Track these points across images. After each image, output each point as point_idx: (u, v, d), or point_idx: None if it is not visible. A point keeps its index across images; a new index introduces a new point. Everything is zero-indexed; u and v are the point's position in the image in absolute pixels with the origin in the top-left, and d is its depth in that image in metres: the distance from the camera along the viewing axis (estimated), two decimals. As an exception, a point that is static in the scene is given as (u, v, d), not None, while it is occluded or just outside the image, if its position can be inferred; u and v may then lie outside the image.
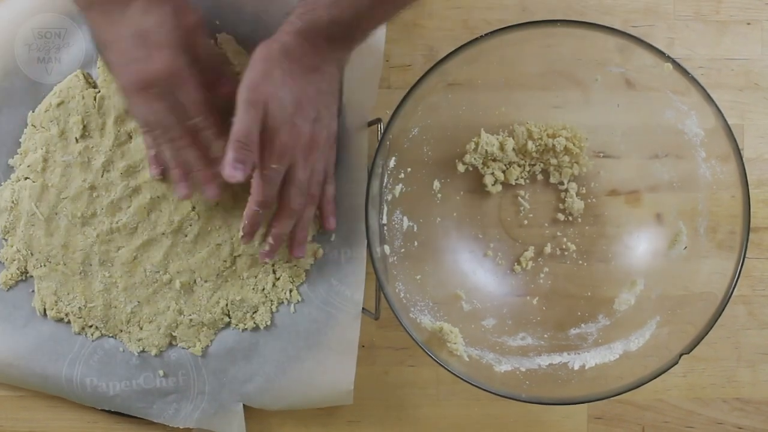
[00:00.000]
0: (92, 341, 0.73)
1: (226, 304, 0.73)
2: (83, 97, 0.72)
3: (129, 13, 0.61)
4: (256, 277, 0.73)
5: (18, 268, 0.73)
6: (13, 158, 0.73)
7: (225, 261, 0.73)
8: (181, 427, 0.73)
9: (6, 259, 0.73)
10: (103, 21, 0.61)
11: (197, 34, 0.64)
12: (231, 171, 0.61)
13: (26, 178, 0.73)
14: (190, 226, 0.73)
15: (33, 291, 0.73)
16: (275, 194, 0.66)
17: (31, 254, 0.73)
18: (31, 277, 0.73)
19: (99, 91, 0.72)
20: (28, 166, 0.73)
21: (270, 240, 0.69)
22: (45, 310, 0.73)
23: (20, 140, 0.73)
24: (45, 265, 0.73)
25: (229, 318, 0.73)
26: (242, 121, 0.62)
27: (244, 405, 0.73)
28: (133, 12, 0.61)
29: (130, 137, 0.72)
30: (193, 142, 0.64)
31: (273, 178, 0.65)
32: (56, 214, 0.72)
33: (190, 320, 0.72)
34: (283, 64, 0.63)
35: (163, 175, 0.71)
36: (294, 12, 0.63)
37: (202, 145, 0.65)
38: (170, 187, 0.72)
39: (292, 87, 0.63)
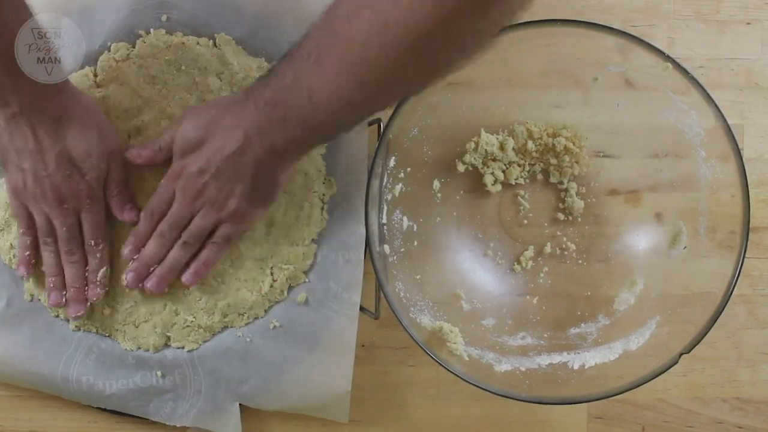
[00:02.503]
0: (88, 340, 0.72)
1: (224, 306, 0.73)
2: None
3: (60, 131, 0.65)
4: (253, 279, 0.73)
5: (12, 265, 0.73)
6: None
7: (222, 262, 0.73)
8: (178, 426, 0.73)
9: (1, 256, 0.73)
10: (27, 131, 0.65)
11: (116, 159, 0.69)
12: (134, 153, 0.69)
13: None
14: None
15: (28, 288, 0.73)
16: (157, 211, 0.70)
17: None
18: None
19: (100, 91, 0.72)
20: None
21: (135, 261, 0.71)
22: (33, 298, 0.73)
23: None
24: (40, 263, 0.72)
25: (226, 321, 0.73)
26: (168, 130, 0.69)
27: (241, 405, 0.73)
28: (64, 131, 0.65)
29: (129, 137, 0.72)
30: (81, 260, 0.70)
31: (159, 192, 0.69)
32: None
33: (186, 321, 0.72)
34: (223, 113, 0.66)
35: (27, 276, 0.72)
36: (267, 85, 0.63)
37: (84, 265, 0.70)
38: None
39: (203, 129, 0.66)
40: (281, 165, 0.66)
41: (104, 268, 0.71)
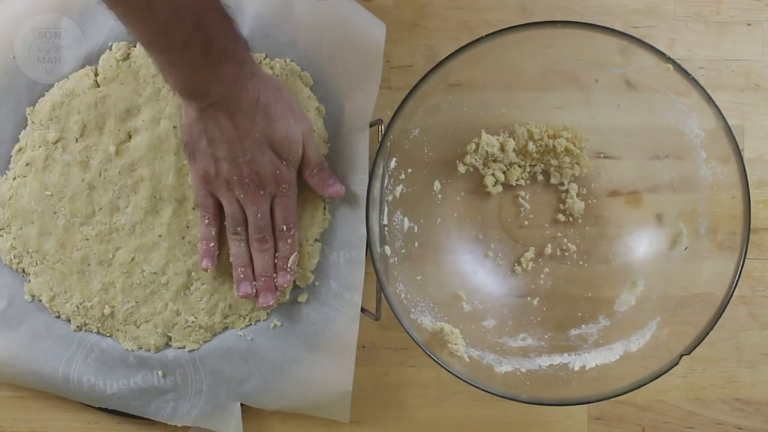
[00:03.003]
0: (89, 340, 0.73)
1: (225, 307, 0.73)
2: (86, 96, 0.72)
3: (257, 116, 0.65)
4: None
5: (13, 266, 0.73)
6: (10, 155, 0.73)
7: (223, 263, 0.73)
8: (179, 426, 0.73)
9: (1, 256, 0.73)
10: (224, 118, 0.65)
11: (309, 139, 0.69)
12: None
13: (24, 176, 0.73)
14: (188, 227, 0.73)
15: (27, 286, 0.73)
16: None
17: (27, 252, 0.73)
18: (27, 274, 0.73)
19: (101, 90, 0.72)
20: (27, 164, 0.73)
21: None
22: (34, 298, 0.73)
23: (19, 136, 0.73)
24: (41, 264, 0.73)
25: (227, 322, 0.73)
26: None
27: (242, 404, 0.73)
28: (261, 117, 0.65)
29: (130, 136, 0.72)
30: (272, 247, 0.69)
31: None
32: (54, 213, 0.72)
33: (187, 321, 0.72)
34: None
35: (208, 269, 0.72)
36: None
37: (274, 253, 0.70)
38: (169, 188, 0.72)
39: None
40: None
41: (295, 253, 0.70)
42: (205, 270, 0.71)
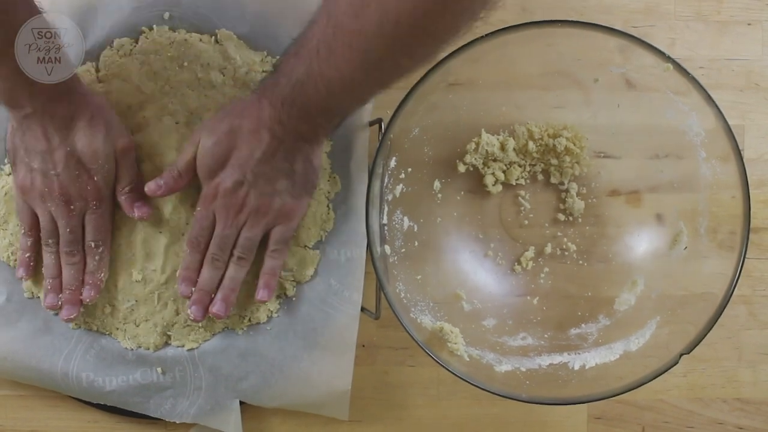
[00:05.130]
0: (88, 336, 0.72)
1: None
2: None
3: (70, 131, 0.66)
4: (257, 279, 0.73)
5: (10, 263, 0.73)
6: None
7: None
8: (178, 423, 0.73)
9: None
10: (38, 130, 0.65)
11: (125, 158, 0.69)
12: (153, 186, 0.68)
13: None
14: (188, 224, 0.72)
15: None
16: (202, 238, 0.70)
17: None
18: None
19: (102, 87, 0.72)
20: None
21: (194, 292, 0.71)
22: (33, 295, 0.73)
23: None
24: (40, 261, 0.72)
25: (227, 322, 0.73)
26: (182, 151, 0.69)
27: (242, 402, 0.73)
28: (74, 131, 0.66)
29: (132, 133, 0.72)
30: (81, 261, 0.70)
31: (198, 219, 0.69)
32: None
33: (186, 320, 0.72)
34: (239, 120, 0.66)
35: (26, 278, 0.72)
36: (280, 74, 0.64)
37: (83, 267, 0.70)
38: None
39: (224, 141, 0.66)
40: (312, 150, 0.67)
41: (103, 272, 0.71)
42: (20, 279, 0.71)
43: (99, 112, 0.68)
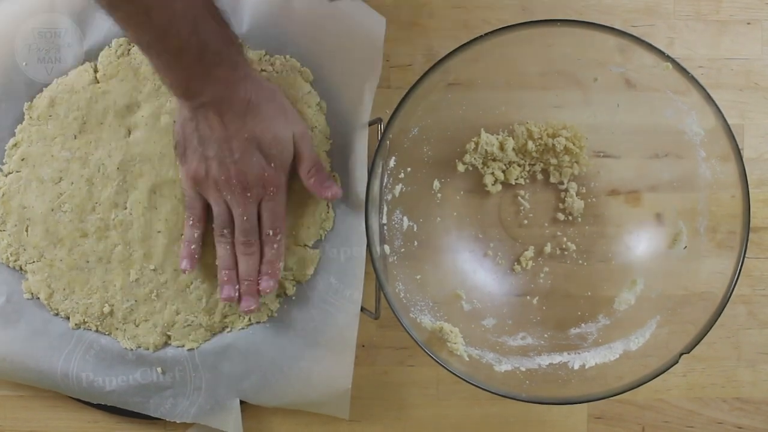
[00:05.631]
0: (88, 337, 0.73)
1: (225, 307, 0.73)
2: (85, 92, 0.72)
3: (247, 118, 0.65)
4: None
5: (10, 264, 0.73)
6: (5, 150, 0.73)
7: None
8: (178, 422, 0.73)
9: None
10: (215, 119, 0.65)
11: (303, 143, 0.69)
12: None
13: (18, 171, 0.72)
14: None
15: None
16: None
17: (24, 249, 0.73)
18: (24, 271, 0.73)
19: (100, 86, 0.72)
20: (22, 159, 0.72)
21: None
22: (33, 296, 0.73)
23: (15, 131, 0.73)
24: (39, 261, 0.72)
25: (227, 321, 0.73)
26: None
27: (242, 402, 0.73)
28: (251, 118, 0.66)
29: (129, 132, 0.72)
30: (258, 251, 0.69)
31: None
32: (52, 209, 0.72)
33: (186, 320, 0.72)
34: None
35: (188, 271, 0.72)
36: None
37: (260, 257, 0.70)
38: (168, 185, 0.72)
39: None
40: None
41: (281, 261, 0.70)
42: (184, 272, 0.71)
43: (274, 96, 0.68)
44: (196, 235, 0.70)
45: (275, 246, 0.70)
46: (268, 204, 0.69)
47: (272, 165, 0.68)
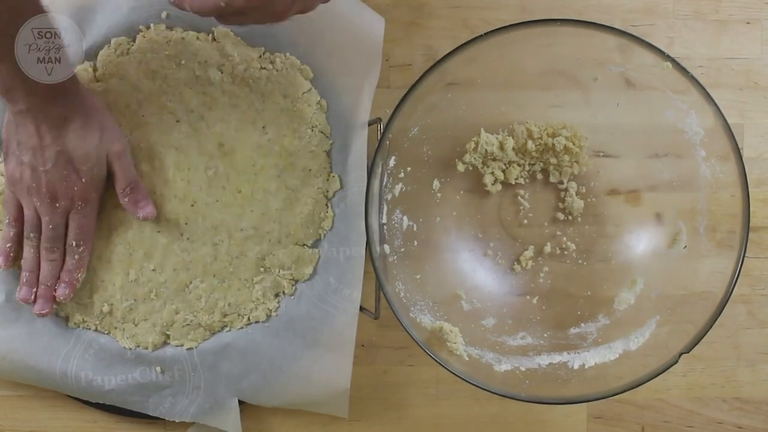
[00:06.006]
0: (87, 336, 0.72)
1: (224, 306, 0.73)
2: None
3: (64, 131, 0.67)
4: (255, 278, 0.73)
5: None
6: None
7: (222, 261, 0.73)
8: (177, 422, 0.73)
9: None
10: (31, 127, 0.66)
11: (120, 161, 0.70)
12: None
13: None
14: (187, 224, 0.73)
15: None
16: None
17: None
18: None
19: (100, 85, 0.72)
20: None
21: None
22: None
23: None
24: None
25: (226, 321, 0.73)
26: None
27: (241, 402, 0.73)
28: (67, 131, 0.67)
29: (130, 132, 0.72)
30: (59, 259, 0.71)
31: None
32: None
33: (185, 320, 0.72)
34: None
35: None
36: None
37: (61, 265, 0.71)
38: (167, 183, 0.72)
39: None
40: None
41: (80, 273, 0.71)
42: None
43: (94, 114, 0.68)
44: (11, 233, 0.71)
45: (76, 257, 0.71)
46: (75, 216, 0.70)
47: (83, 180, 0.68)
